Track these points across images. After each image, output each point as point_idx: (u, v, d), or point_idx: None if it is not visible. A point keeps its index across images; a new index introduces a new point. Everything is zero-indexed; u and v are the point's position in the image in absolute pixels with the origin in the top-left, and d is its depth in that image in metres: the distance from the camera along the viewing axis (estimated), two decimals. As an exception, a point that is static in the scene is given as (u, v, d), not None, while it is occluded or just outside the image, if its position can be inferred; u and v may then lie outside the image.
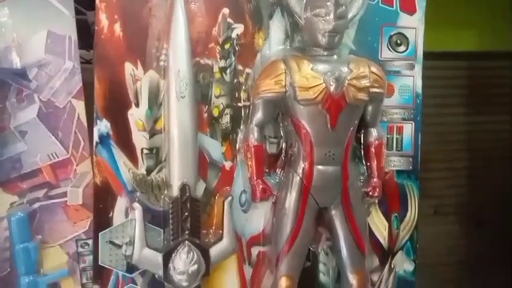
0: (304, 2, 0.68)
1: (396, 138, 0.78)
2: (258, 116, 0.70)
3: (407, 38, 0.77)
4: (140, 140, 0.69)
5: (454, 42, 1.09)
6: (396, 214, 0.79)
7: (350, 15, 0.69)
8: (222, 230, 0.72)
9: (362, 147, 0.76)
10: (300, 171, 0.70)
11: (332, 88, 0.66)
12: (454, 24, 1.09)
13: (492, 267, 1.18)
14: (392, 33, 0.76)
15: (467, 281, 1.19)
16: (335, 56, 0.69)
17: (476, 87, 1.15)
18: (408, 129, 0.78)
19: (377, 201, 0.78)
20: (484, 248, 1.18)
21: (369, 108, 0.72)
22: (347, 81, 0.66)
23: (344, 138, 0.69)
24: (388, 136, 0.78)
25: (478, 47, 1.13)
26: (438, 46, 0.82)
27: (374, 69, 0.70)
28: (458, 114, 1.15)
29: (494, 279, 1.18)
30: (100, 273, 0.69)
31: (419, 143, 0.79)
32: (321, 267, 0.78)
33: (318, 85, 0.66)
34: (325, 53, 0.68)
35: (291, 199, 0.70)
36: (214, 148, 0.72)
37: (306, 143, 0.68)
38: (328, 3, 0.65)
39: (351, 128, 0.70)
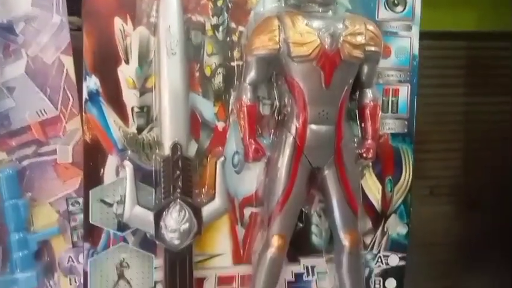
0: (299, -44, 0.66)
1: (392, 100, 0.77)
2: (252, 74, 0.68)
3: (404, -2, 0.75)
4: (130, 98, 0.68)
5: (453, 22, 1.07)
6: (390, 177, 0.79)
7: (346, -30, 0.67)
8: (214, 190, 0.71)
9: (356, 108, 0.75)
10: (293, 130, 0.69)
11: (326, 44, 0.64)
12: (453, 3, 1.07)
13: (487, 249, 1.18)
14: (389, -7, 0.74)
15: (461, 262, 1.20)
16: (330, 13, 0.67)
17: (474, 68, 1.13)
18: (404, 91, 0.77)
19: (370, 163, 0.77)
20: (479, 229, 1.18)
21: (365, 68, 0.71)
22: (342, 38, 0.65)
23: (339, 97, 0.68)
24: (384, 98, 0.77)
25: (477, 27, 1.11)
26: (436, 26, 0.80)
27: (370, 27, 0.68)
28: (455, 95, 1.14)
29: (489, 261, 1.19)
30: (91, 231, 0.69)
31: (415, 106, 0.78)
32: (314, 228, 0.77)
33: (312, 41, 0.64)
34: (320, 9, 0.67)
35: (283, 159, 0.69)
36: (207, 108, 0.71)
37: (299, 101, 0.67)
38: (324, -42, 0.64)
39: (346, 87, 0.68)
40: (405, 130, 0.78)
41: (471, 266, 1.19)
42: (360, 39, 0.66)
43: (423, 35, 0.76)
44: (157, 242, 0.70)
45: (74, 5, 0.69)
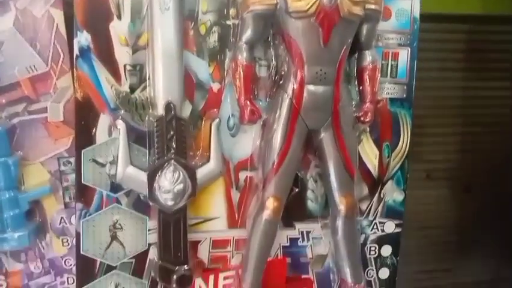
0: None
1: (391, 64, 0.76)
2: (248, 32, 0.67)
3: (406, -42, 0.73)
4: (122, 55, 0.67)
5: (454, 4, 1.05)
6: (387, 143, 0.78)
7: None
8: (209, 153, 0.70)
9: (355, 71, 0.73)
10: (290, 91, 0.67)
11: (325, 0, 0.62)
12: None
13: (483, 232, 1.19)
14: (390, -49, 0.72)
15: (457, 245, 1.20)
16: (330, -32, 0.65)
17: (474, 52, 1.11)
18: (404, 55, 0.76)
19: (368, 129, 0.76)
20: (476, 212, 1.19)
21: (364, 27, 0.69)
22: (341, -7, 0.63)
23: (337, 57, 0.66)
24: (383, 62, 0.75)
25: (478, 10, 1.08)
26: (437, 8, 0.77)
27: (370, -16, 0.66)
28: (454, 79, 1.12)
29: (485, 244, 1.19)
30: (83, 192, 0.68)
31: (415, 70, 0.76)
32: (310, 194, 0.77)
33: None
34: (319, -36, 0.64)
35: (280, 120, 0.68)
36: (201, 68, 0.70)
37: (297, 60, 0.66)
38: None
39: (345, 46, 0.67)
40: (404, 95, 0.77)
41: (467, 249, 1.20)
42: (360, -4, 0.64)
43: (423, 18, 0.74)
44: (150, 204, 0.69)
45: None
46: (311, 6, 0.62)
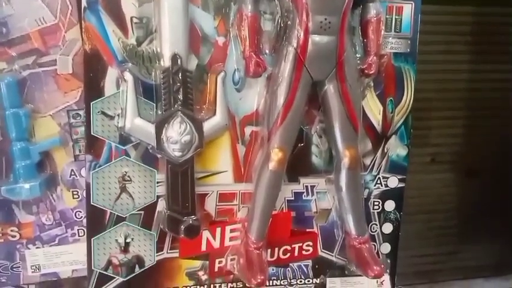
0: None
1: (396, 18, 0.76)
2: (253, -17, 0.67)
3: None
4: (129, 7, 0.67)
5: None
6: (391, 98, 0.78)
7: None
8: (215, 106, 0.71)
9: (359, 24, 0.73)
10: (294, 42, 0.68)
11: None
12: None
13: (487, 216, 1.20)
14: None
15: (461, 228, 1.21)
16: None
17: (479, 34, 1.10)
18: (408, 9, 0.76)
19: (372, 84, 0.77)
20: (480, 196, 1.19)
21: (369, -21, 0.69)
22: None
23: (341, 6, 0.67)
24: (387, 17, 0.75)
25: None
26: None
27: None
28: (458, 62, 1.11)
29: (489, 227, 1.20)
30: (93, 143, 0.69)
31: (418, 24, 0.76)
32: (314, 149, 0.78)
33: None
34: None
35: (284, 71, 0.69)
36: (207, 22, 0.70)
37: (301, 9, 0.66)
38: None
39: (349, -4, 0.67)
40: (408, 50, 0.77)
41: (471, 233, 1.21)
42: None
43: (425, 0, 0.74)
44: (158, 156, 0.70)
45: None
46: (316, -46, 0.63)
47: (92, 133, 0.69)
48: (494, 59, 1.13)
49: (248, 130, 0.75)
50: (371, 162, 0.80)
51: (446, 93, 1.11)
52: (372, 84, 0.78)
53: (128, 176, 0.71)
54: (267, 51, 0.72)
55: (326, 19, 0.66)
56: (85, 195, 0.71)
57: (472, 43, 1.11)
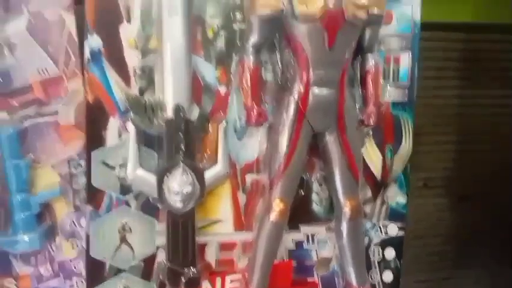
0: None
1: (393, 68, 0.78)
2: (255, 36, 0.68)
3: (407, -37, 0.75)
4: (132, 58, 0.68)
5: (451, 13, 1.07)
6: (390, 146, 0.79)
7: None
8: (216, 155, 0.71)
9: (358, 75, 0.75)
10: (295, 94, 0.69)
11: (331, 4, 0.64)
12: None
13: (480, 241, 1.20)
14: (391, -42, 0.74)
15: (454, 254, 1.21)
16: (335, -27, 0.67)
17: (471, 60, 1.12)
18: (405, 59, 0.78)
19: (371, 132, 0.78)
20: (472, 221, 1.19)
21: (367, 31, 0.71)
22: (346, -2, 0.65)
23: (341, 60, 0.68)
24: (385, 67, 0.77)
25: (474, 19, 1.10)
26: (433, 17, 0.80)
27: (373, -11, 0.68)
28: (451, 87, 1.14)
29: (482, 253, 1.20)
30: (93, 194, 0.69)
31: (416, 74, 0.78)
32: (314, 196, 0.78)
33: (316, 0, 0.64)
34: (325, -31, 0.66)
35: (286, 123, 0.69)
36: (208, 72, 0.71)
37: (302, 63, 0.67)
38: None
39: (349, 50, 0.68)
40: (406, 99, 0.78)
41: (464, 258, 1.20)
42: (363, 0, 0.66)
43: (421, 26, 0.76)
44: (159, 206, 0.70)
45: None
46: (317, 10, 0.64)
47: (92, 183, 0.68)
48: (485, 85, 1.15)
49: (249, 178, 0.75)
50: (371, 210, 0.80)
51: (437, 119, 1.13)
52: (371, 133, 0.78)
53: (128, 226, 0.70)
54: (268, 101, 0.73)
55: (326, 73, 0.67)
56: (84, 246, 0.70)
57: (463, 69, 1.13)
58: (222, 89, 0.72)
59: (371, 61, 0.73)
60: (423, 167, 1.12)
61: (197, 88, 0.70)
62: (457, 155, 1.17)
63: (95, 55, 0.66)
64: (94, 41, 0.66)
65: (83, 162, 0.69)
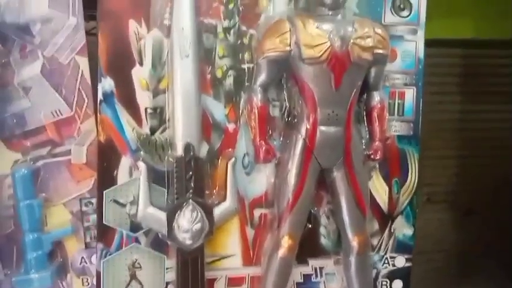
0: (309, -38, 0.68)
1: (398, 103, 0.79)
2: (262, 76, 0.70)
3: (410, 3, 0.77)
4: (144, 99, 0.69)
5: (453, 30, 1.09)
6: (396, 179, 0.80)
7: (355, -24, 0.69)
8: (225, 191, 0.72)
9: (364, 111, 0.76)
10: (303, 131, 0.70)
11: (336, 47, 0.66)
12: (451, 11, 1.08)
13: (483, 256, 1.19)
14: (395, -2, 0.76)
15: (458, 269, 1.20)
16: (340, 16, 0.69)
17: (472, 75, 1.14)
18: (410, 94, 0.79)
19: (378, 165, 0.79)
20: (476, 236, 1.19)
21: (373, 70, 0.72)
22: (351, 40, 0.66)
23: (348, 99, 0.69)
24: (390, 101, 0.78)
25: (473, 35, 1.12)
26: (433, 33, 0.82)
27: (378, 30, 0.70)
28: (454, 102, 1.15)
29: (485, 268, 1.19)
30: (104, 232, 0.70)
31: (420, 108, 0.79)
32: (322, 230, 0.78)
33: (323, 43, 0.66)
34: (330, 13, 0.68)
35: (294, 160, 0.70)
36: (218, 110, 0.72)
37: (309, 103, 0.69)
38: (334, -36, 0.65)
39: (355, 89, 0.70)
40: (411, 132, 0.79)
41: (468, 273, 1.20)
42: (369, 42, 0.68)
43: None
44: (168, 243, 0.71)
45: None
46: (323, 53, 0.66)
47: (104, 222, 0.69)
48: (487, 100, 1.16)
49: (257, 213, 0.75)
50: (378, 242, 0.81)
51: (439, 133, 1.13)
52: (377, 166, 0.79)
53: (138, 263, 0.71)
54: (276, 137, 0.74)
55: (333, 111, 0.69)
56: (94, 283, 0.70)
57: (465, 84, 1.14)
58: (231, 126, 0.73)
59: (377, 98, 0.74)
60: (427, 182, 1.12)
61: (206, 126, 0.72)
62: (460, 169, 1.18)
63: (107, 96, 0.68)
64: (106, 83, 0.67)
65: (94, 200, 0.70)
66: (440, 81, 1.11)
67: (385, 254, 0.81)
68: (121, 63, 0.68)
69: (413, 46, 0.78)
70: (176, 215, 0.69)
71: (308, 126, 0.69)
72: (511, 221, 1.17)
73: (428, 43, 0.78)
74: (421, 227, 1.10)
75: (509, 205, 1.17)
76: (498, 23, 1.13)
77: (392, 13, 0.76)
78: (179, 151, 0.69)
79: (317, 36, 0.66)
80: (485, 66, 1.15)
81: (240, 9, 0.71)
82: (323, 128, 0.69)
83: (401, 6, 0.77)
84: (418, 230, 0.85)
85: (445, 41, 1.08)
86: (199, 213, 0.69)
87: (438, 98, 1.11)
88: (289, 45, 0.66)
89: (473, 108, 1.16)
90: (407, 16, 0.77)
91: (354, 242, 0.73)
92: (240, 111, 0.73)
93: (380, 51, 0.70)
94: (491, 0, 1.13)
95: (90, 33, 0.69)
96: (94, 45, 0.67)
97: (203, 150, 0.71)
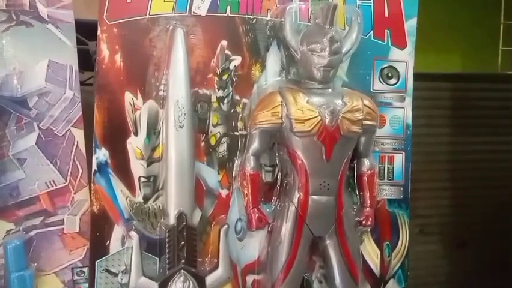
0: (300, 36, 0.70)
1: (388, 167, 0.80)
2: (255, 145, 0.71)
3: (397, 71, 0.80)
4: (138, 168, 0.70)
5: (440, 65, 1.12)
6: (387, 242, 0.81)
7: (343, 50, 0.71)
8: (218, 259, 0.72)
9: (354, 177, 0.77)
10: (295, 200, 0.71)
11: (327, 121, 0.68)
12: (440, 47, 1.11)
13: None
14: (383, 67, 0.79)
15: None
16: (330, 90, 0.71)
17: (462, 108, 1.17)
18: (399, 159, 0.80)
19: (369, 229, 0.79)
20: (469, 268, 1.20)
21: (362, 139, 0.74)
22: (341, 114, 0.68)
23: (338, 169, 0.71)
24: (380, 166, 0.80)
25: (462, 69, 1.15)
26: (423, 67, 0.84)
27: (366, 102, 0.72)
28: (444, 134, 1.17)
29: None
30: (95, 301, 0.69)
31: (410, 172, 0.81)
32: (315, 294, 0.78)
33: (313, 117, 0.67)
34: (320, 86, 0.70)
35: (286, 228, 0.71)
36: (211, 176, 0.73)
37: (301, 173, 0.70)
38: (323, 40, 0.68)
39: (345, 159, 0.71)
40: (401, 196, 0.81)
41: None
42: (358, 115, 0.70)
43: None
44: (160, 313, 0.70)
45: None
46: (314, 127, 0.68)
47: (95, 291, 0.69)
48: (474, 132, 1.18)
49: (250, 279, 0.75)
50: (371, 306, 0.80)
51: (430, 165, 1.14)
52: (369, 230, 0.80)
53: (129, 334, 0.70)
54: (268, 202, 0.75)
55: (324, 181, 0.70)
56: None
57: (453, 117, 1.16)
58: (224, 192, 0.74)
59: (367, 164, 0.76)
60: (419, 214, 1.13)
61: (199, 192, 0.72)
62: (453, 201, 1.18)
63: (101, 167, 0.68)
64: (101, 154, 0.68)
65: (86, 269, 0.69)
66: (430, 114, 1.13)
67: (378, 317, 0.80)
68: (116, 134, 0.69)
69: (401, 112, 0.80)
70: (168, 285, 0.68)
71: (300, 196, 0.71)
72: (504, 252, 1.16)
73: (417, 77, 0.80)
74: (415, 259, 1.09)
75: (502, 238, 1.17)
76: (485, 58, 1.16)
77: (380, 81, 0.79)
78: (172, 220, 0.69)
79: (307, 110, 0.68)
80: (473, 99, 1.17)
81: (234, 79, 0.73)
82: (314, 197, 0.70)
83: (389, 74, 0.79)
84: (412, 261, 0.85)
85: (434, 75, 1.11)
86: (191, 284, 0.69)
87: (429, 130, 1.13)
88: (281, 118, 0.68)
89: (462, 140, 1.18)
90: (395, 84, 0.80)
91: (347, 309, 0.73)
92: (233, 176, 0.74)
93: (369, 122, 0.72)
94: (479, 35, 1.17)
95: (85, 84, 0.70)
96: (90, 95, 0.68)
97: (196, 218, 0.72)
